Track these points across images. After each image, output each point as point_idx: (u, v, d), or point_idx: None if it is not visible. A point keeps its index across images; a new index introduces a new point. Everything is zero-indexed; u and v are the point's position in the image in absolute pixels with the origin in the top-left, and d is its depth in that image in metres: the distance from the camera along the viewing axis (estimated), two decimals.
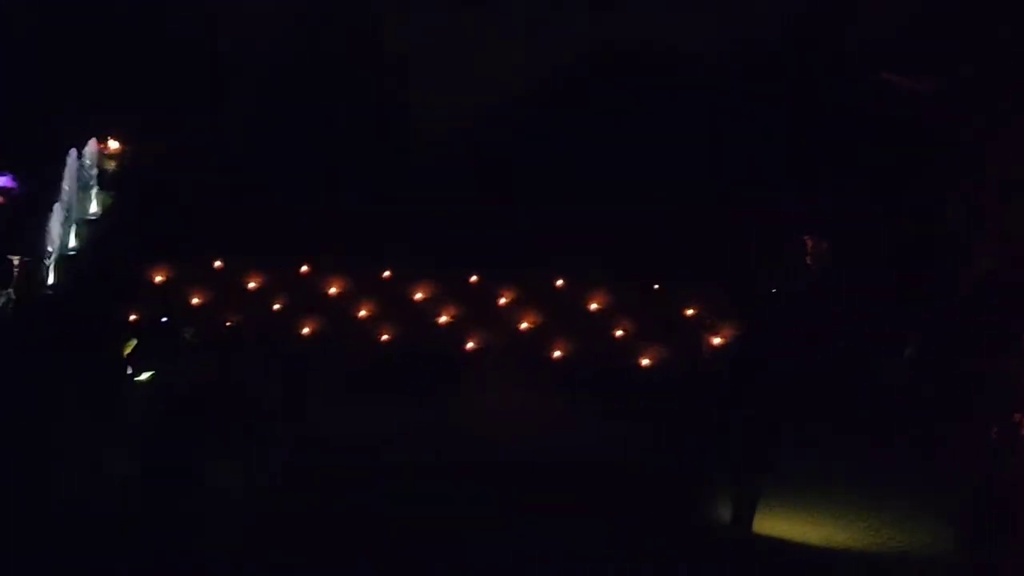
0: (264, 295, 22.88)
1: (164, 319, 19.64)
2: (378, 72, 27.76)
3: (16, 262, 21.50)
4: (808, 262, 21.89)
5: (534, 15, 27.02)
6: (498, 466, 14.37)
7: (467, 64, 25.92)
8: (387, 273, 23.46)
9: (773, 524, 12.78)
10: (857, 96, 23.24)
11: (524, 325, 22.02)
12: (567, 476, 14.09)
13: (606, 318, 22.00)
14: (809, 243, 22.07)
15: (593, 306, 22.42)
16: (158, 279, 22.85)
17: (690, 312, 21.79)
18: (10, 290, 21.01)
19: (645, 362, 20.68)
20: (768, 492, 12.92)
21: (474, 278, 23.15)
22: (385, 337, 21.76)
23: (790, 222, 22.28)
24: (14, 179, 23.78)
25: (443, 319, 22.35)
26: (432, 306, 22.70)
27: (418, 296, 23.00)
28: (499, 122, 26.12)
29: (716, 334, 20.92)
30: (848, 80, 23.79)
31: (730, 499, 12.85)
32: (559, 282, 22.92)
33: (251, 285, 23.15)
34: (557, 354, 21.19)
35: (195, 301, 22.30)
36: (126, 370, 12.09)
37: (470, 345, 21.49)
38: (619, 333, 21.59)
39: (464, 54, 25.91)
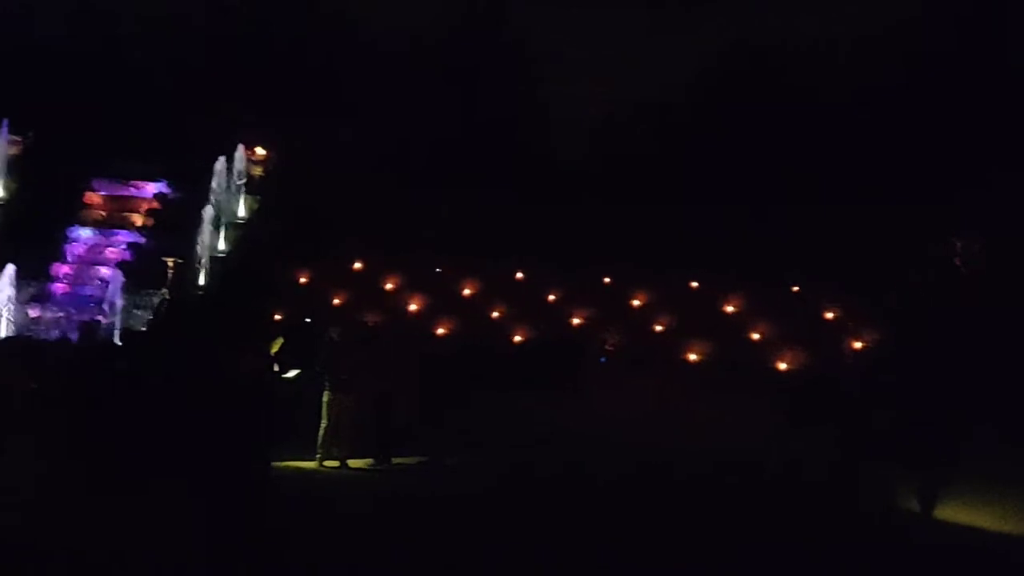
0: (401, 295, 23.01)
1: (308, 319, 19.89)
2: (513, 74, 27.64)
3: (170, 264, 22.12)
4: (958, 263, 20.76)
5: (670, 15, 26.50)
6: (663, 466, 14.22)
7: (603, 65, 25.56)
8: (520, 274, 23.29)
9: (953, 513, 12.91)
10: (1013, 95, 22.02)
11: (659, 328, 21.52)
12: (738, 474, 13.95)
13: (743, 320, 21.32)
14: (959, 244, 20.94)
15: (729, 308, 21.78)
16: (302, 280, 23.22)
17: (831, 315, 20.95)
18: (164, 291, 21.61)
19: (783, 365, 19.94)
20: (951, 482, 13.03)
21: (607, 279, 22.78)
22: (518, 338, 21.55)
23: (940, 222, 21.22)
24: (168, 185, 24.51)
25: (576, 320, 22.02)
26: (565, 307, 22.43)
27: (551, 297, 22.76)
28: (632, 123, 25.69)
29: (858, 338, 20.03)
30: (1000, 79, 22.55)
31: (915, 489, 12.90)
32: (694, 284, 22.36)
33: (389, 286, 23.31)
34: (693, 357, 20.63)
35: (336, 301, 22.56)
36: (274, 368, 12.08)
37: (606, 346, 21.10)
38: (756, 336, 20.90)
39: (600, 55, 25.56)
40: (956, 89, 23.29)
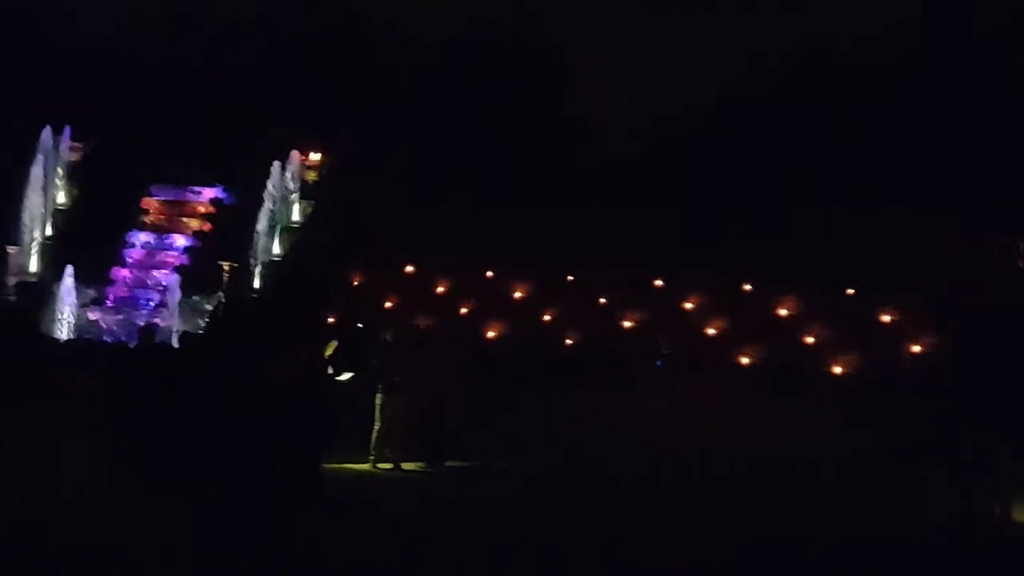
0: (453, 298, 23.02)
1: (360, 322, 19.95)
2: (562, 77, 27.58)
3: (226, 268, 22.36)
4: (1021, 266, 20.26)
5: (715, 16, 26.25)
6: (717, 469, 14.07)
7: (650, 65, 25.38)
8: (571, 277, 23.18)
9: None
10: None
11: (711, 331, 21.30)
12: (797, 477, 13.75)
13: (797, 323, 21.00)
14: (1023, 246, 20.45)
15: (783, 311, 21.47)
16: (355, 283, 23.32)
17: (887, 318, 20.56)
18: (221, 293, 21.85)
19: (837, 369, 19.60)
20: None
21: (658, 282, 22.58)
22: (569, 341, 21.45)
23: (998, 225, 20.75)
24: (224, 190, 24.78)
25: (627, 323, 21.87)
26: (616, 310, 22.28)
27: (602, 300, 22.62)
28: (678, 125, 25.47)
29: (916, 342, 19.63)
30: None
31: (988, 492, 12.66)
32: (747, 286, 22.10)
33: (440, 289, 23.33)
34: (745, 360, 20.37)
35: (388, 305, 22.63)
36: (327, 370, 12.10)
37: (653, 349, 20.91)
38: (810, 339, 20.58)
39: (647, 56, 25.38)
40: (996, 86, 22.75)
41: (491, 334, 21.74)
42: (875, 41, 24.46)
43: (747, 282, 22.07)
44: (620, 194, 23.63)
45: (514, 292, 23.11)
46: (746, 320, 21.20)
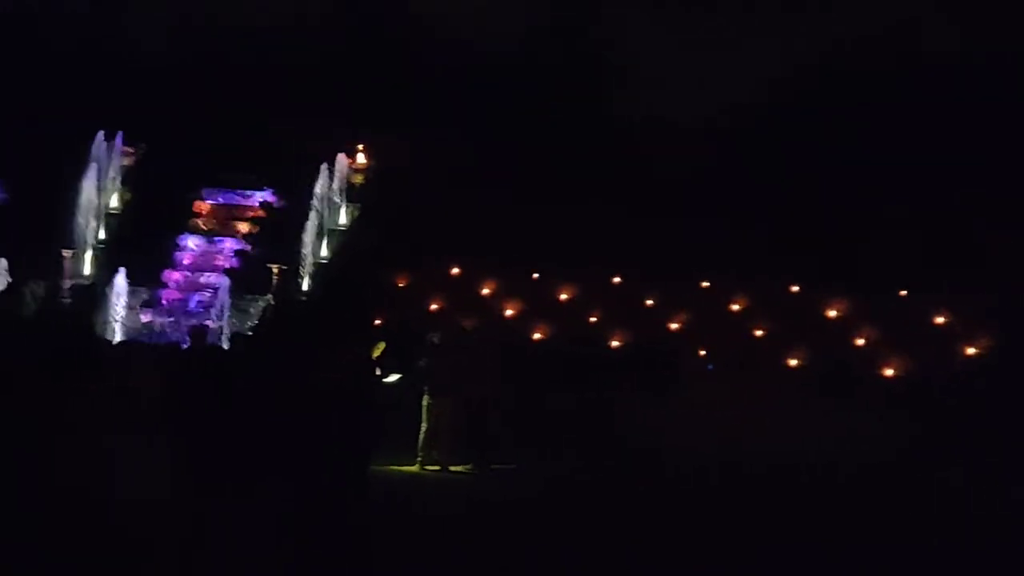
0: (498, 300, 23.01)
1: (407, 324, 19.99)
2: (610, 79, 27.48)
3: (275, 270, 22.56)
4: None
5: (761, 18, 25.98)
6: (767, 469, 13.95)
7: (698, 69, 25.19)
8: (616, 279, 23.08)
9: None
10: None
11: (759, 332, 21.07)
12: (850, 478, 13.61)
13: (847, 325, 20.70)
14: None
15: (832, 313, 21.19)
16: (400, 285, 23.40)
17: (940, 320, 20.20)
18: (270, 296, 22.04)
19: (889, 372, 19.29)
20: None
21: (705, 284, 22.41)
22: (616, 343, 21.34)
23: None
24: (273, 194, 25.01)
25: (673, 325, 21.72)
26: (662, 312, 22.14)
27: (648, 302, 22.49)
28: (724, 127, 25.26)
29: (968, 344, 19.25)
30: None
31: None
32: (794, 288, 21.85)
33: (486, 291, 23.33)
34: (794, 362, 20.13)
35: (434, 306, 22.68)
36: (374, 372, 12.12)
37: (701, 352, 20.76)
38: (860, 341, 20.28)
39: (695, 59, 25.20)
40: None
41: (536, 336, 21.70)
42: (922, 38, 24.09)
43: (796, 284, 21.83)
44: (665, 197, 23.49)
45: (560, 294, 23.05)
46: (795, 322, 20.95)
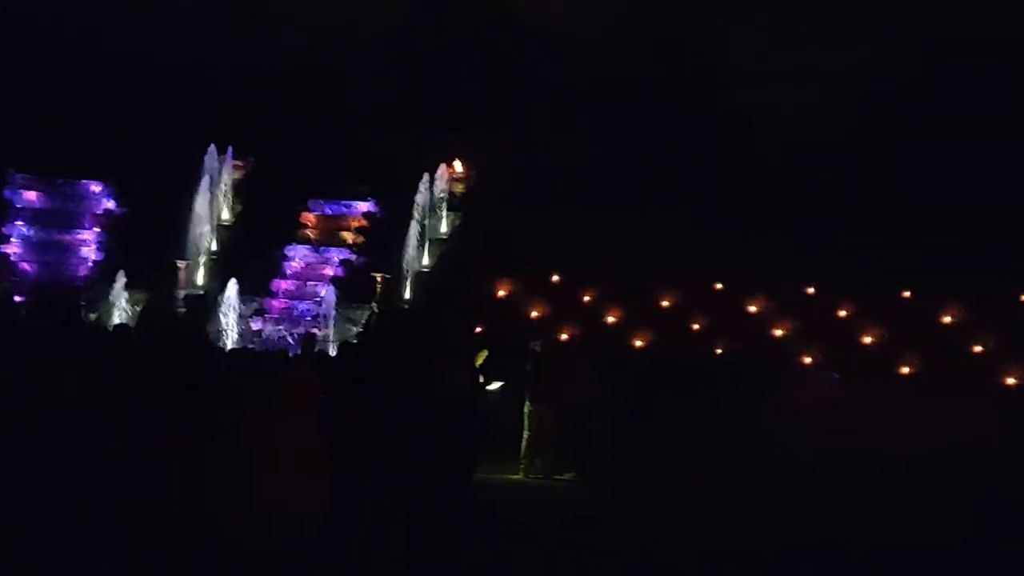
0: (599, 307, 22.86)
1: (509, 332, 20.02)
2: (712, 80, 27.12)
3: (378, 279, 22.88)
4: None
5: (867, 17, 25.29)
6: (883, 477, 13.62)
7: (807, 67, 24.67)
8: (719, 285, 22.70)
9: None
10: None
11: (868, 339, 20.47)
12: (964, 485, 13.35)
13: (963, 332, 19.94)
14: None
15: (946, 319, 20.45)
16: (501, 293, 23.44)
17: None
18: (374, 304, 22.35)
19: (1011, 380, 18.50)
20: None
21: (810, 290, 21.89)
22: (719, 351, 20.97)
23: None
24: (376, 204, 25.38)
25: (778, 332, 21.26)
26: (767, 319, 21.70)
27: (752, 308, 22.06)
28: (829, 129, 24.65)
29: None
30: None
31: None
32: (906, 294, 21.17)
33: (586, 298, 23.21)
34: (906, 369, 19.49)
35: (534, 314, 22.65)
36: (478, 380, 12.14)
37: (807, 359, 20.26)
38: (978, 348, 19.50)
39: (804, 56, 24.68)
40: None
41: (638, 343, 21.48)
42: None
43: (906, 289, 21.14)
44: (772, 200, 23.03)
45: (662, 301, 22.77)
46: (906, 328, 20.30)
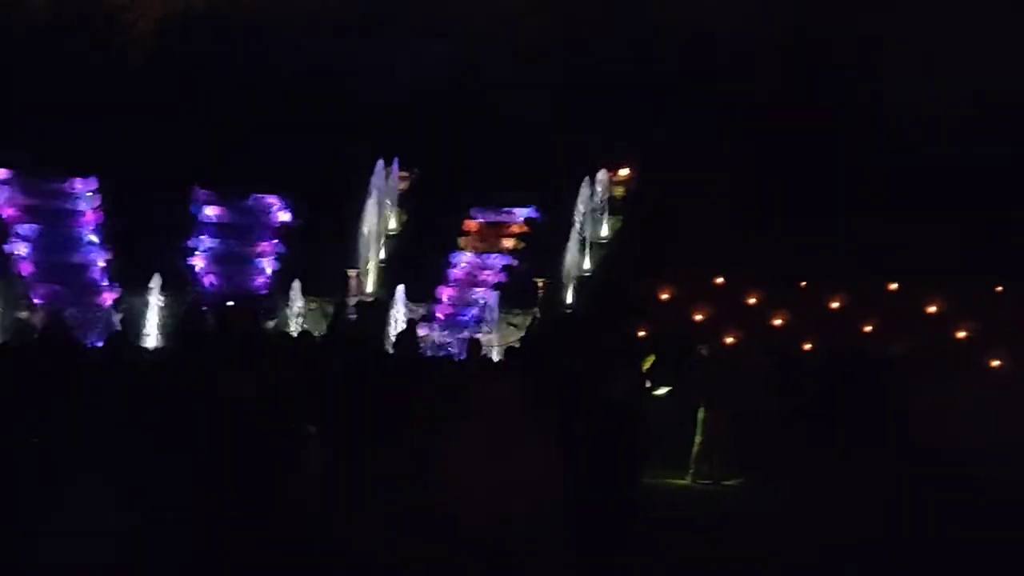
0: (765, 311, 22.29)
1: (674, 336, 19.76)
2: (860, 76, 26.15)
3: (540, 284, 22.99)
4: None
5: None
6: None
7: (963, 64, 23.47)
8: (894, 285, 21.78)
9: None
10: None
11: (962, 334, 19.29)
12: None
13: None
14: None
15: None
16: (664, 296, 23.15)
17: None
18: (535, 310, 22.47)
19: None
20: None
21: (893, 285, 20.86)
22: (893, 351, 20.07)
23: None
24: (537, 210, 25.52)
25: (961, 334, 20.23)
26: (946, 320, 20.70)
27: (931, 309, 21.07)
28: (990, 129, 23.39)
29: None
30: None
31: None
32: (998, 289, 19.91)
33: (751, 301, 22.67)
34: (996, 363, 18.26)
35: (699, 317, 22.28)
36: (645, 384, 12.03)
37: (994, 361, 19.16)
38: None
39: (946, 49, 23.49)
40: None
41: (807, 346, 20.82)
42: None
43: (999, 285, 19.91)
44: (937, 200, 22.04)
45: (830, 302, 22.01)
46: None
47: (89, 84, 27.50)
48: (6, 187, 23.56)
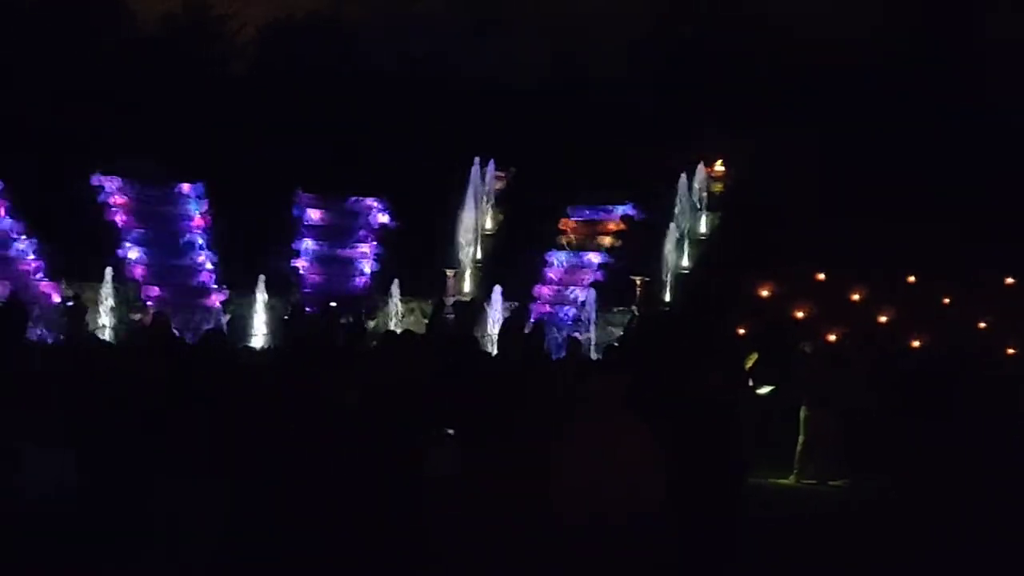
0: (869, 307, 21.73)
1: (776, 333, 19.42)
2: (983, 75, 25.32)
3: (638, 282, 22.84)
4: None
5: None
6: None
7: None
8: (1011, 280, 21.00)
9: None
10: None
11: None
12: None
13: None
14: None
15: None
16: (764, 293, 22.77)
17: None
18: (634, 307, 22.32)
19: None
20: None
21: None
22: (1011, 351, 19.38)
23: None
24: (634, 207, 25.37)
25: None
26: None
27: None
28: None
29: None
30: None
31: None
32: None
33: (855, 297, 22.14)
34: None
35: (800, 315, 21.85)
36: (748, 383, 11.86)
37: None
38: None
39: None
40: None
41: (915, 344, 20.23)
42: None
43: None
44: None
45: (941, 299, 21.33)
46: None
47: (195, 91, 28.38)
48: (119, 193, 24.47)
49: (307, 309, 21.44)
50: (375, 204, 25.75)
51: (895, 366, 17.63)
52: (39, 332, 19.67)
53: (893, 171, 24.19)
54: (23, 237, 22.98)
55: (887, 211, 22.52)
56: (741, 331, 20.56)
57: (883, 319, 21.26)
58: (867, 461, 14.01)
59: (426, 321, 21.01)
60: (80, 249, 22.01)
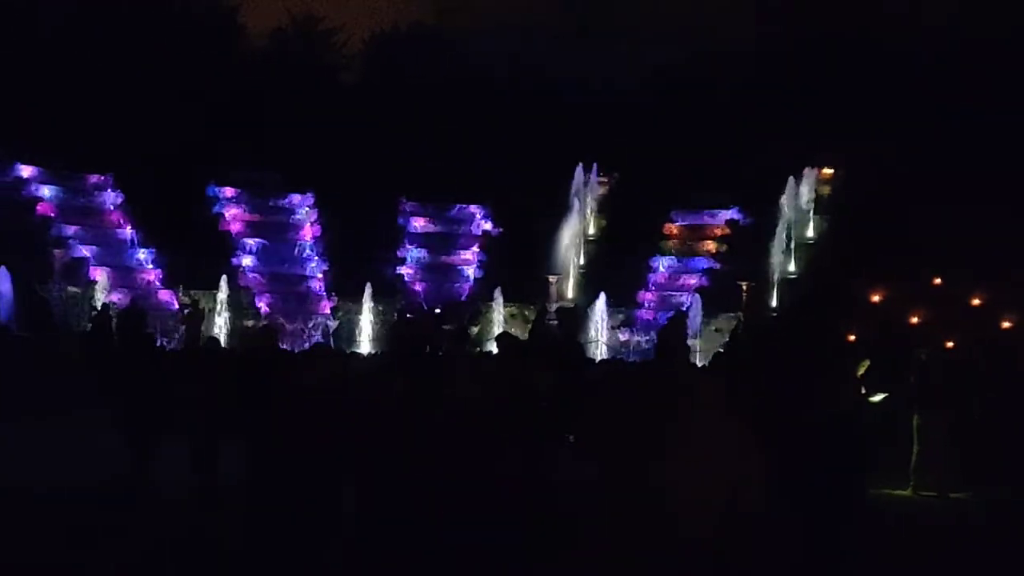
0: (987, 313, 20.93)
1: (891, 339, 18.87)
2: None
3: (744, 287, 22.51)
4: None
5: None
6: None
7: None
8: None
9: None
10: None
11: None
12: None
13: None
14: None
15: None
16: (875, 298, 22.17)
17: None
18: (740, 313, 22.00)
19: None
20: None
21: None
22: None
23: None
24: (739, 211, 25.02)
25: None
26: None
27: None
28: None
29: None
30: None
31: None
32: None
33: (975, 302, 21.35)
34: None
35: (914, 320, 21.19)
36: (861, 390, 11.52)
37: None
38: None
39: None
40: None
41: None
42: None
43: None
44: None
45: None
46: None
47: (304, 103, 29.11)
48: (233, 204, 25.25)
49: (408, 316, 21.77)
50: (478, 211, 25.97)
51: (1014, 374, 16.91)
52: (157, 339, 20.39)
53: (1010, 174, 23.24)
54: (142, 248, 23.91)
55: (1003, 216, 21.68)
56: (852, 337, 20.03)
57: (1007, 324, 20.46)
58: (986, 472, 13.47)
59: (529, 327, 21.09)
60: (197, 258, 22.77)
